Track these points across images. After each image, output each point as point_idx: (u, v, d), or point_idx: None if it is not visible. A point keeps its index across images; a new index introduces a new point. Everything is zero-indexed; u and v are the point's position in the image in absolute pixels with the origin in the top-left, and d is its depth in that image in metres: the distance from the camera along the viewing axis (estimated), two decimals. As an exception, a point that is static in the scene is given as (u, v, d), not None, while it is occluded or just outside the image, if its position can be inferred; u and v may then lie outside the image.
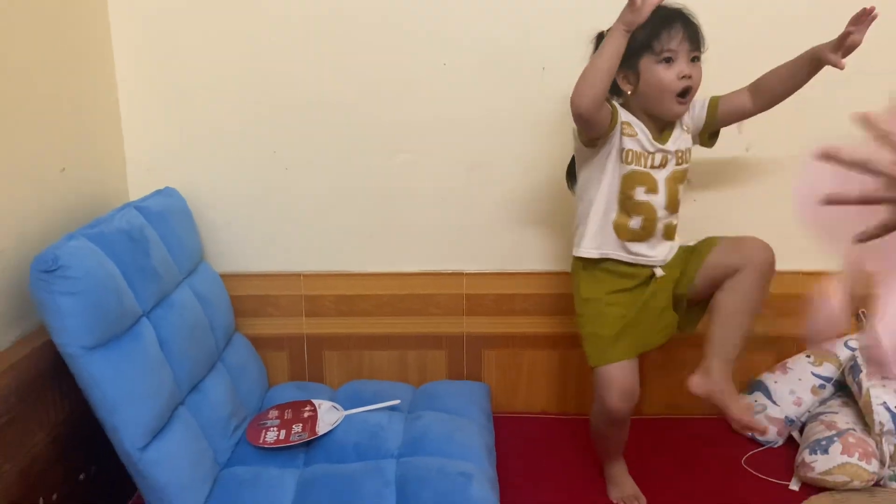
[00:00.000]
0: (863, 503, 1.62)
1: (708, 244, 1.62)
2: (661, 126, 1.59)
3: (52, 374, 1.43)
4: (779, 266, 1.89)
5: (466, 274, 2.03)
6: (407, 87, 1.91)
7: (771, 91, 1.57)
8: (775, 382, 1.94)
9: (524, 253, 2.02)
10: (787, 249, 1.85)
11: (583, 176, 1.65)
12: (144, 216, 1.67)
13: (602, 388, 1.60)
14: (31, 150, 1.54)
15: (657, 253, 1.62)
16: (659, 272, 1.63)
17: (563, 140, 1.91)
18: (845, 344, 1.92)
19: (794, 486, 1.73)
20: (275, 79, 1.91)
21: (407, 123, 1.93)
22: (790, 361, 1.97)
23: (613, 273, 1.63)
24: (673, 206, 1.60)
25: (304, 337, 2.07)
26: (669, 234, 1.63)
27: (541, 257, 2.02)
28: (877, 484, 1.68)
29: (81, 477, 1.55)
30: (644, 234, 1.60)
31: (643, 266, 1.62)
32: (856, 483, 1.65)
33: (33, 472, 1.39)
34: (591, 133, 1.54)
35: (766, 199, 1.91)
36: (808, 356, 1.95)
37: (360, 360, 2.09)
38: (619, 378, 1.58)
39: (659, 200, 1.58)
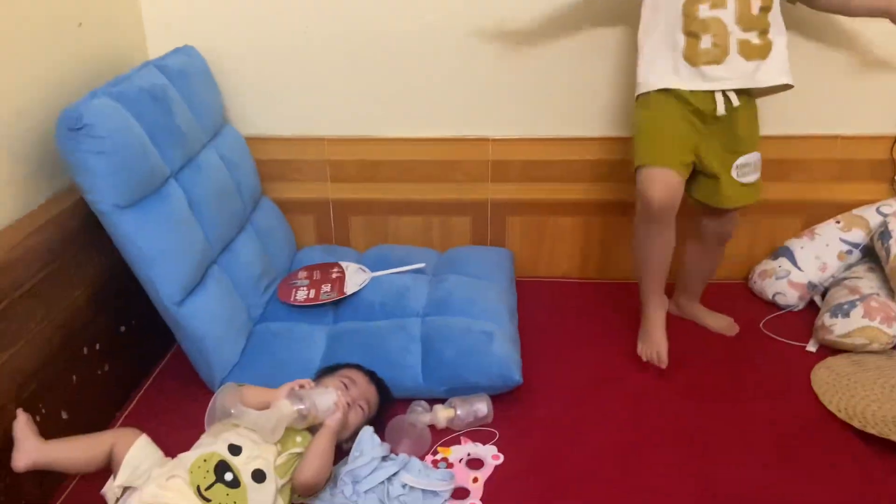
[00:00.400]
0: (880, 364, 1.65)
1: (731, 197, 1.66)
2: None
3: (86, 231, 1.47)
4: (816, 130, 1.85)
5: (492, 140, 2.00)
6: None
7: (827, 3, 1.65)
8: (801, 248, 1.93)
9: (552, 118, 1.97)
10: (824, 111, 1.81)
11: (644, 15, 1.61)
12: (165, 75, 1.64)
13: (645, 183, 1.56)
14: (47, 4, 1.49)
15: (733, 72, 1.54)
16: (721, 108, 1.55)
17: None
18: (877, 209, 1.89)
19: (811, 347, 1.76)
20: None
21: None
22: (818, 227, 1.96)
23: (677, 101, 1.58)
24: (746, 21, 1.51)
25: (330, 202, 2.08)
26: (747, 52, 1.53)
27: (569, 122, 1.97)
28: (895, 348, 1.71)
29: (122, 329, 1.63)
30: (719, 54, 1.52)
31: (714, 93, 1.56)
32: (874, 346, 1.68)
33: (75, 324, 1.45)
34: None
35: (809, 59, 1.83)
36: (838, 221, 1.93)
37: (385, 225, 2.11)
38: (662, 175, 1.56)
39: (728, 15, 1.51)
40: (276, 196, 2.05)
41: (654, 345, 1.68)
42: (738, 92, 1.56)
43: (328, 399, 1.34)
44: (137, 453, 1.23)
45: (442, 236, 2.12)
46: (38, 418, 1.31)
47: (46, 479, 1.33)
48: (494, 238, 2.12)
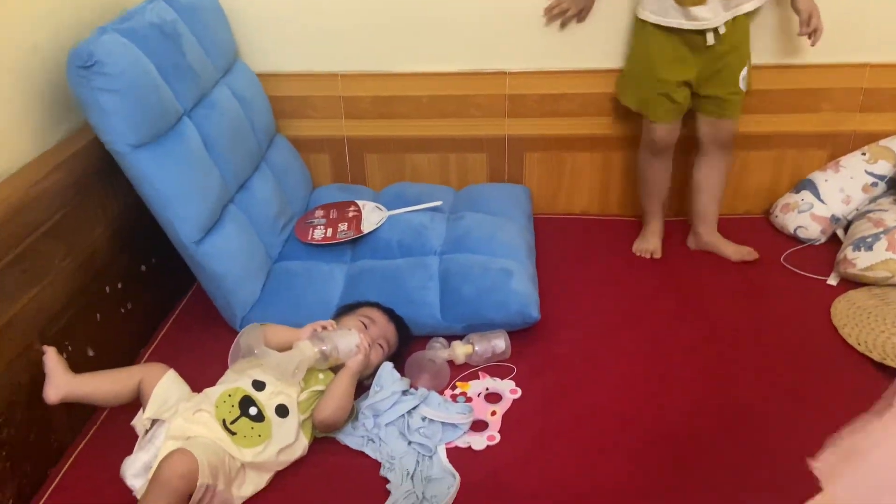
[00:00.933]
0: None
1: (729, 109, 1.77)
2: None
3: (104, 171, 1.47)
4: (844, 58, 1.79)
5: (509, 73, 1.95)
6: None
7: None
8: (825, 181, 1.89)
9: (570, 50, 1.92)
10: (852, 39, 1.74)
11: None
12: (175, 9, 1.61)
13: (648, 128, 1.81)
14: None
15: (717, 12, 1.65)
16: (710, 39, 1.67)
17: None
18: (904, 141, 1.85)
19: (832, 280, 1.75)
20: None
21: None
22: (844, 159, 1.91)
23: (672, 37, 1.71)
24: None
25: (345, 139, 2.06)
26: None
27: (588, 54, 1.92)
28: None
29: (143, 268, 1.64)
30: None
31: (699, 32, 1.67)
32: (896, 279, 1.66)
33: (96, 263, 1.47)
34: None
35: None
36: (864, 153, 1.89)
37: (401, 163, 2.09)
38: (663, 125, 1.79)
39: None
40: (291, 134, 2.03)
41: (650, 244, 1.89)
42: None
43: (350, 341, 1.36)
44: (165, 387, 1.26)
45: (459, 173, 2.10)
46: (64, 355, 1.34)
47: (75, 412, 1.36)
48: (512, 175, 2.10)
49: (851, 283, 1.72)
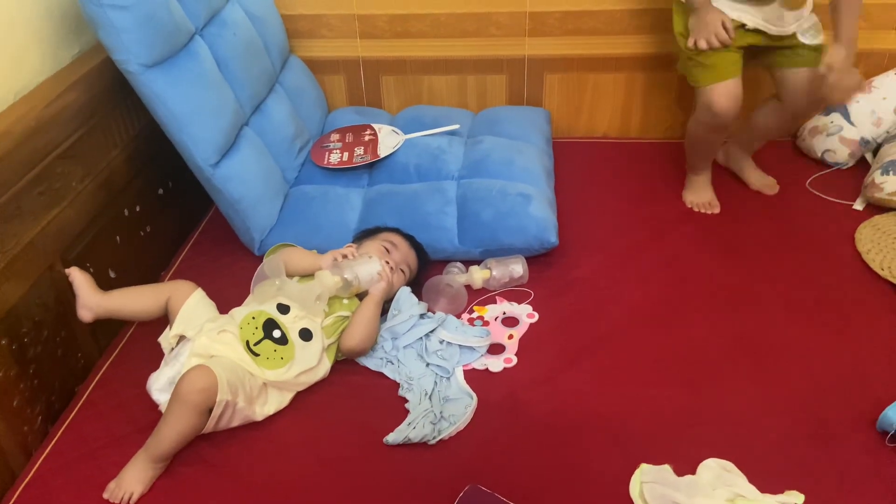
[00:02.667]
0: None
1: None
2: None
3: (117, 92, 1.45)
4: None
5: (530, -12, 1.88)
6: None
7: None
8: (856, 102, 1.82)
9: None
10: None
11: None
12: (183, -78, 1.54)
13: (709, 96, 1.59)
14: None
15: (774, 19, 1.55)
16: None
17: None
18: (942, 59, 1.77)
19: (858, 205, 1.71)
20: None
21: None
22: (876, 79, 1.84)
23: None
24: None
25: (360, 60, 2.01)
26: (792, 2, 1.52)
27: (613, -33, 1.84)
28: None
29: (160, 192, 1.64)
30: None
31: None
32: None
33: (114, 186, 1.47)
34: None
35: None
36: (899, 73, 1.82)
37: (418, 85, 2.04)
38: (724, 87, 1.58)
39: None
40: (305, 55, 1.99)
41: (704, 196, 1.77)
42: None
43: (371, 269, 1.36)
44: (193, 305, 1.27)
45: (477, 96, 2.05)
46: (87, 277, 1.36)
47: (102, 330, 1.39)
48: (531, 97, 2.05)
49: (878, 208, 1.69)
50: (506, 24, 1.93)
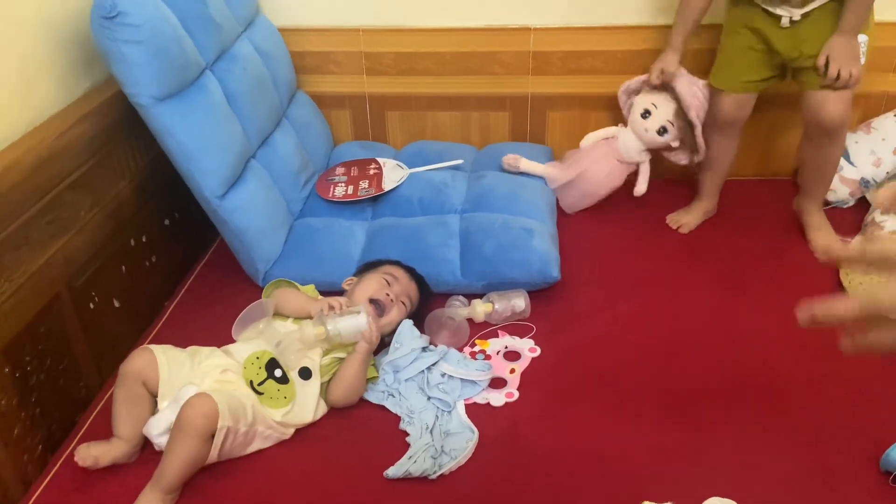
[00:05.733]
0: None
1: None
2: None
3: (128, 123, 1.47)
4: (878, 17, 1.73)
5: (534, 29, 1.92)
6: None
7: None
8: (856, 143, 1.85)
9: (596, 5, 1.88)
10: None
11: None
12: (195, -40, 1.59)
13: (716, 97, 1.73)
14: None
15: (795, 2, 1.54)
16: (784, 21, 1.57)
17: None
18: (940, 102, 1.80)
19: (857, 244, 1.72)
20: None
21: None
22: (875, 121, 1.87)
23: (751, 13, 1.62)
24: None
25: (366, 96, 2.05)
26: None
27: (614, 9, 1.88)
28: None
29: (167, 222, 1.66)
30: None
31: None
32: (925, 243, 1.62)
33: (121, 215, 1.48)
34: None
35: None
36: (896, 115, 1.84)
37: (423, 120, 2.08)
38: (732, 95, 1.70)
39: None
40: (312, 90, 2.02)
41: (690, 219, 1.82)
42: None
43: (357, 325, 1.30)
44: (167, 373, 1.21)
45: (481, 132, 2.08)
46: (91, 306, 1.37)
47: (104, 360, 1.39)
48: (534, 134, 2.07)
49: (878, 247, 1.70)
50: (509, 62, 1.96)
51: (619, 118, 2.01)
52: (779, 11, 1.57)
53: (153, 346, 1.25)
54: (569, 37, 1.92)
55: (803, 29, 1.57)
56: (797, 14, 1.56)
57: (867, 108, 1.91)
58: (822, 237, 1.70)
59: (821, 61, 1.54)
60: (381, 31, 1.95)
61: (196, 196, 1.51)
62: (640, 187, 1.87)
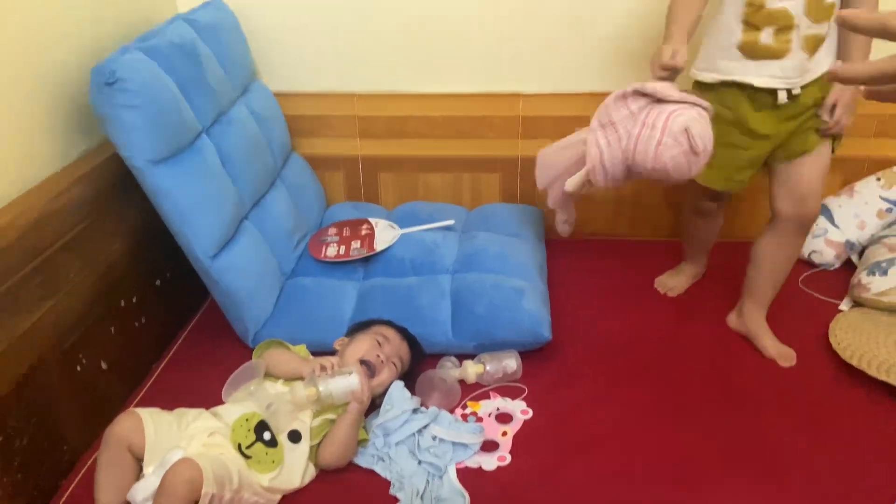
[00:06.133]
0: (890, 323, 1.60)
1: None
2: None
3: (122, 186, 1.49)
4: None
5: (523, 95, 1.97)
6: None
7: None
8: (839, 206, 1.89)
9: (584, 72, 1.93)
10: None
11: None
12: (195, 29, 1.64)
13: (696, 184, 1.55)
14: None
15: (790, 69, 1.38)
16: (782, 97, 1.40)
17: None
18: (920, 166, 1.84)
19: (844, 306, 1.74)
20: None
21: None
22: (858, 184, 1.91)
23: (733, 100, 1.45)
24: (817, 12, 1.34)
25: (359, 158, 2.08)
26: (811, 45, 1.37)
27: (602, 76, 1.93)
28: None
29: (158, 283, 1.66)
30: (778, 49, 1.36)
31: (770, 89, 1.41)
32: (911, 304, 1.64)
33: (112, 276, 1.48)
34: None
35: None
36: (879, 178, 1.88)
37: (414, 182, 2.11)
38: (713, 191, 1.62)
39: (797, 5, 1.33)
40: (306, 152, 2.05)
41: (676, 282, 1.83)
42: None
43: (348, 385, 1.30)
44: (153, 436, 1.19)
45: (472, 193, 2.11)
46: (78, 368, 1.35)
47: (89, 424, 1.37)
48: (525, 196, 2.10)
49: (866, 307, 1.71)
50: (500, 126, 2.01)
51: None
52: (778, 85, 1.40)
53: (140, 409, 1.23)
54: (557, 103, 1.97)
55: (792, 106, 1.44)
56: (797, 86, 1.41)
57: (849, 173, 1.95)
58: (776, 344, 1.60)
59: (830, 101, 1.43)
60: (375, 95, 2.00)
61: (188, 256, 1.51)
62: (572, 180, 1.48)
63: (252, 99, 1.81)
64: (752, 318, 1.63)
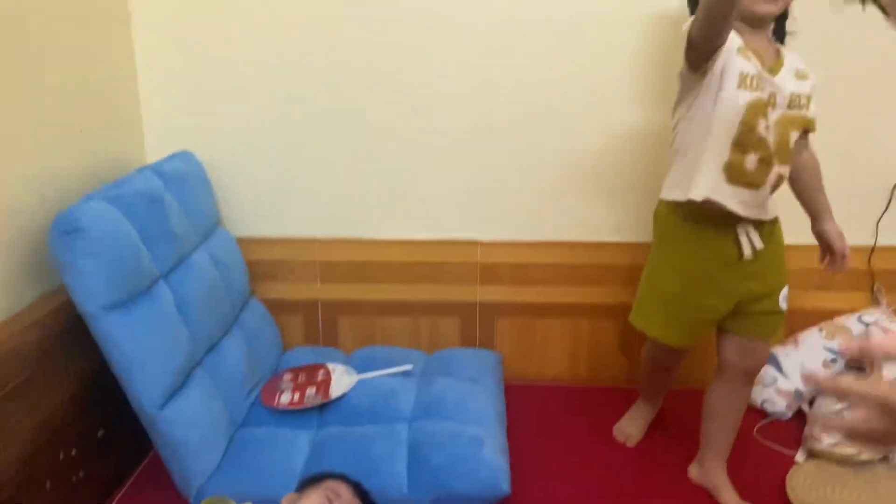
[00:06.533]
0: (844, 475, 1.62)
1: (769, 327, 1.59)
2: (770, 59, 1.42)
3: (71, 334, 1.46)
4: (795, 240, 1.91)
5: (481, 243, 2.03)
6: (425, 53, 1.90)
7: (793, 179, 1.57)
8: (787, 356, 1.94)
9: (540, 221, 2.02)
10: (796, 224, 1.88)
11: (686, 111, 1.46)
12: (162, 179, 1.68)
13: (659, 346, 1.65)
14: (50, 111, 1.55)
15: (760, 208, 1.45)
16: (747, 251, 1.46)
17: (581, 108, 1.89)
18: (858, 318, 1.92)
19: (799, 457, 1.74)
20: (292, 43, 1.90)
21: (425, 89, 1.92)
22: (802, 335, 1.97)
23: (706, 230, 1.48)
24: (784, 154, 1.42)
25: (319, 302, 2.09)
26: (776, 186, 1.45)
27: (557, 226, 2.02)
28: (884, 459, 1.69)
29: (100, 433, 1.59)
30: (758, 178, 1.41)
31: (745, 221, 1.46)
32: (863, 456, 1.66)
33: (53, 427, 1.42)
34: (704, 50, 1.34)
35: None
36: (821, 330, 1.95)
37: (374, 326, 2.11)
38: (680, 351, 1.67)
39: (773, 142, 1.40)
40: (265, 296, 2.06)
41: (631, 429, 1.82)
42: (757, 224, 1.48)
43: None
44: None
45: (431, 337, 2.12)
46: (5, 529, 1.26)
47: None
48: (483, 340, 2.12)
49: (821, 458, 1.71)
50: (459, 272, 2.06)
51: (567, 326, 2.08)
52: (748, 214, 1.44)
53: None
54: (515, 250, 2.03)
55: (755, 263, 1.49)
56: (759, 241, 1.47)
57: (793, 324, 2.02)
58: (737, 500, 1.58)
59: (839, 244, 1.53)
60: (337, 241, 2.04)
61: (134, 406, 1.46)
62: None
63: (214, 245, 1.83)
64: (713, 471, 1.62)
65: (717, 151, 1.40)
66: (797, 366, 1.91)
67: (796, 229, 1.94)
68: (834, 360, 1.90)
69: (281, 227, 2.04)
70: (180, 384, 1.52)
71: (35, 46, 1.49)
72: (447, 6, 1.86)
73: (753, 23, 1.41)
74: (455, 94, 1.92)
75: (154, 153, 1.93)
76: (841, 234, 1.55)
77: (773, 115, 1.39)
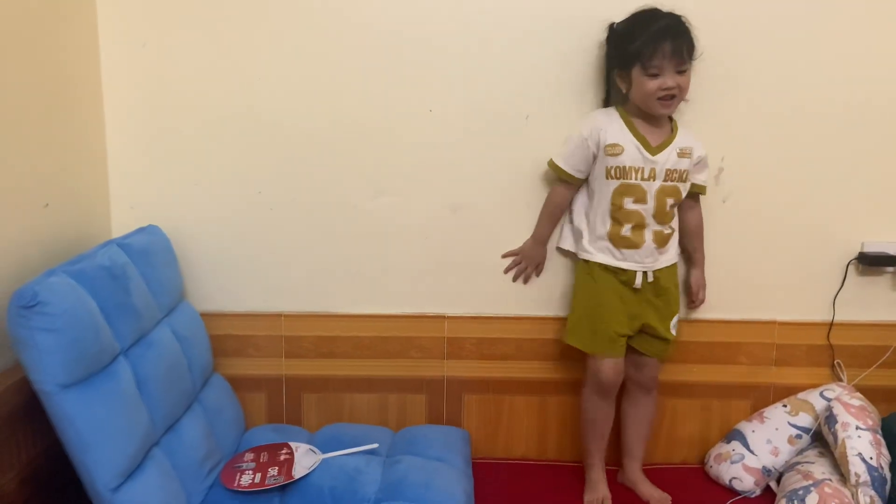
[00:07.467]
0: None
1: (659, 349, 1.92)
2: (659, 138, 1.78)
3: (26, 412, 1.41)
4: (759, 316, 1.97)
5: (448, 317, 2.04)
6: (392, 131, 1.94)
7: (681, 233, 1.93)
8: (753, 432, 1.95)
9: (506, 297, 2.03)
10: (755, 301, 1.96)
11: (578, 198, 1.91)
12: (127, 253, 1.67)
13: (598, 366, 1.87)
14: (15, 185, 1.54)
15: (647, 259, 1.82)
16: (638, 281, 1.82)
17: (545, 185, 1.95)
18: (820, 394, 1.94)
19: (771, 535, 1.73)
20: (260, 119, 1.93)
21: (391, 167, 1.96)
22: (767, 411, 1.98)
23: (609, 274, 1.84)
24: (662, 216, 1.80)
25: (283, 378, 2.05)
26: (661, 241, 1.82)
27: (522, 302, 2.03)
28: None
29: (50, 519, 1.51)
30: (635, 241, 1.80)
31: (633, 271, 1.82)
32: (833, 533, 1.65)
33: (0, 512, 1.35)
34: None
35: (747, 250, 1.97)
36: (785, 405, 1.97)
37: (339, 402, 2.08)
38: (612, 362, 1.86)
39: (648, 209, 1.78)
40: (228, 372, 2.02)
41: (599, 492, 1.88)
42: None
43: None
44: None
45: (398, 414, 2.09)
46: None
47: None
48: (450, 416, 2.09)
49: (790, 538, 1.71)
50: (426, 346, 2.05)
51: (532, 404, 2.08)
52: (635, 268, 1.81)
53: None
54: (481, 325, 2.04)
55: (652, 294, 1.84)
56: (651, 270, 1.83)
57: (757, 399, 2.04)
58: (652, 488, 1.89)
59: (698, 293, 1.94)
60: (303, 316, 2.03)
61: (87, 488, 1.40)
62: None
63: (177, 320, 1.80)
64: (631, 471, 1.95)
65: (602, 224, 1.83)
66: (763, 443, 1.91)
67: (755, 305, 2.01)
68: (799, 437, 1.91)
69: (246, 301, 2.02)
70: (136, 465, 1.47)
71: (0, 118, 1.49)
72: (412, 86, 1.91)
73: (649, 117, 1.77)
74: (422, 171, 1.96)
75: (120, 227, 1.92)
76: (702, 285, 1.95)
77: (654, 186, 1.77)
